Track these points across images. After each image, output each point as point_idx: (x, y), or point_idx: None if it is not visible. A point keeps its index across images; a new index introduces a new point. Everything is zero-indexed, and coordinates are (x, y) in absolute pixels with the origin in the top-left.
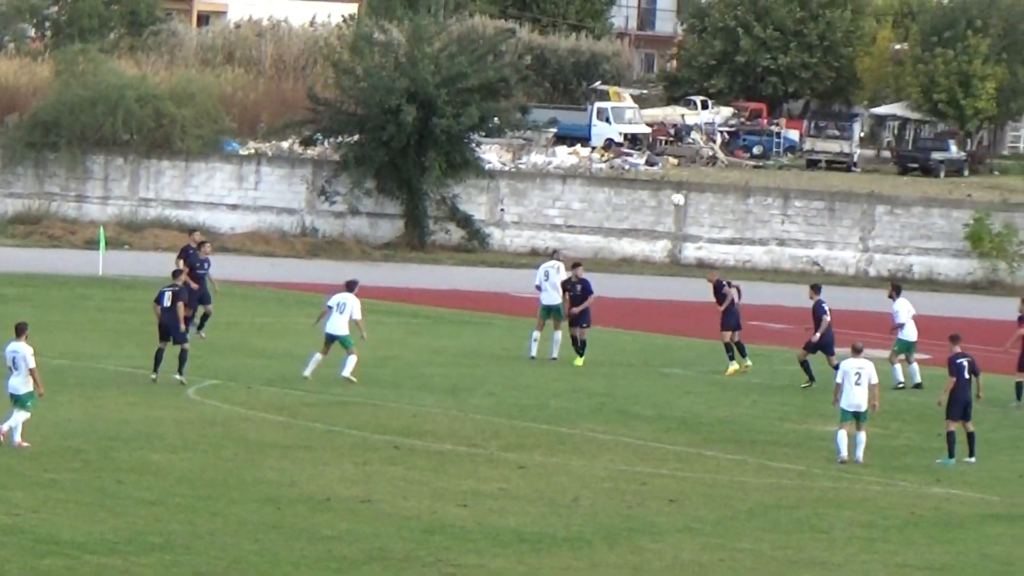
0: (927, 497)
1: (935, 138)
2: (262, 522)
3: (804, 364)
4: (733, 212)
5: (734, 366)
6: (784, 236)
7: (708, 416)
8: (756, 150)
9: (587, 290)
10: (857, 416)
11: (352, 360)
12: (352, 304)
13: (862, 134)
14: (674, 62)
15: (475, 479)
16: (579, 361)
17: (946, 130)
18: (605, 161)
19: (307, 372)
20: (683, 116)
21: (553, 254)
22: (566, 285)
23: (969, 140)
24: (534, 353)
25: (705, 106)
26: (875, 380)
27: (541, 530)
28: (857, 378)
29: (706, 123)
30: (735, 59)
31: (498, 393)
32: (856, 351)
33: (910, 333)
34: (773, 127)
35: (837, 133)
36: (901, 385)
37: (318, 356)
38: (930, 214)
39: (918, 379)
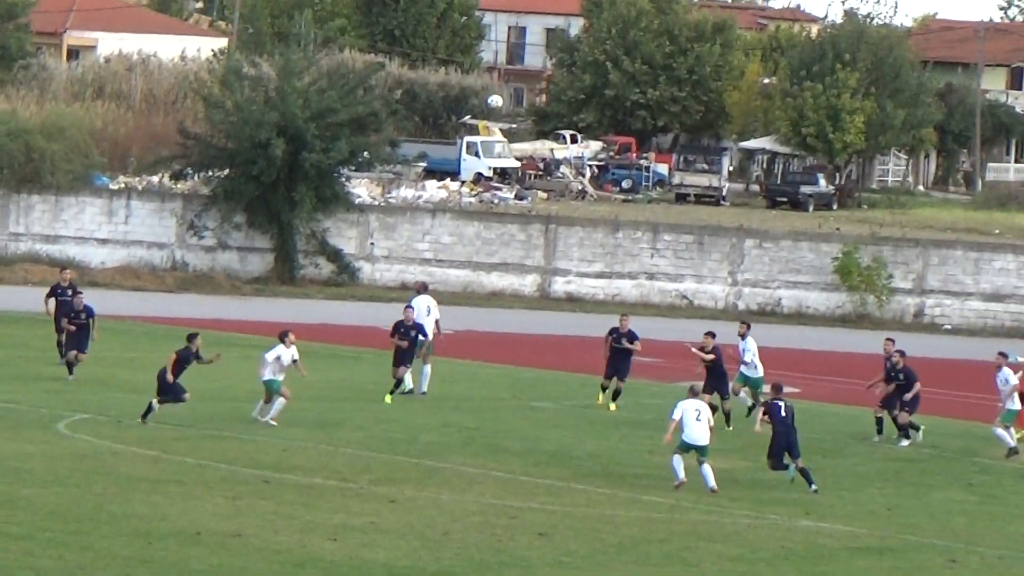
0: (797, 530)
1: (804, 172)
2: (132, 556)
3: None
4: (602, 246)
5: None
6: (653, 270)
7: (578, 450)
8: (625, 184)
9: (421, 332)
10: (699, 450)
11: (279, 403)
12: (280, 352)
13: (731, 168)
14: (543, 96)
15: (345, 513)
16: (389, 399)
17: (815, 164)
18: (474, 195)
19: (255, 413)
20: (552, 150)
21: (423, 289)
22: (398, 327)
23: (838, 174)
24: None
25: (574, 140)
26: (712, 422)
27: (412, 564)
28: (697, 415)
29: (575, 157)
30: (604, 93)
31: (368, 427)
32: (694, 392)
33: (757, 369)
34: (642, 161)
35: (706, 167)
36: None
37: (261, 403)
38: (799, 248)
39: (749, 402)
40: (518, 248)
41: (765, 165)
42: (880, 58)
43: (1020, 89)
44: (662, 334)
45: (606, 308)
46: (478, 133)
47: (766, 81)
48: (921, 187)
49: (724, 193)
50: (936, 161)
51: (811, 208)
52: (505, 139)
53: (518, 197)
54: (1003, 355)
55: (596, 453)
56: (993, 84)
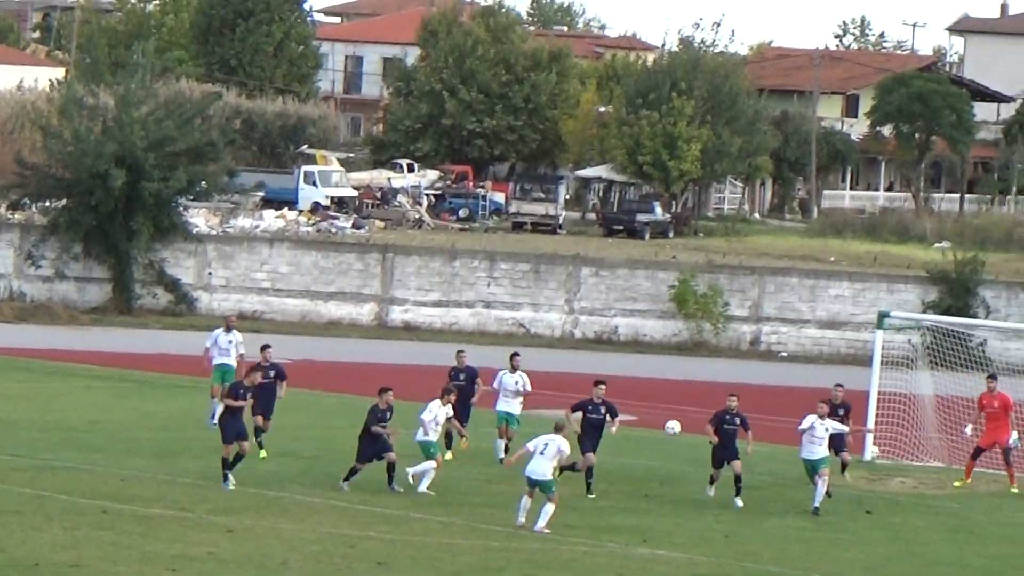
0: (633, 558)
1: (640, 200)
2: None
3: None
4: (440, 275)
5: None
6: (490, 298)
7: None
8: (462, 213)
9: (280, 375)
10: (540, 486)
11: (428, 466)
12: (437, 411)
13: (567, 196)
14: (380, 125)
15: (184, 543)
16: (264, 453)
17: (651, 192)
18: (312, 224)
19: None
20: (389, 179)
21: (229, 326)
22: (258, 367)
23: (674, 202)
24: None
25: (411, 169)
26: (566, 450)
27: None
28: (544, 448)
29: (412, 186)
30: (441, 122)
31: (206, 457)
32: (557, 429)
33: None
34: (479, 190)
35: (542, 195)
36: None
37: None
38: (635, 276)
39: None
40: (355, 277)
41: (601, 193)
42: (716, 86)
43: (855, 116)
44: (499, 363)
45: (443, 337)
46: (315, 162)
47: (602, 109)
48: (757, 214)
49: (560, 221)
50: (772, 188)
51: (647, 236)
52: (342, 168)
53: (355, 226)
54: (839, 386)
55: (434, 482)
56: (828, 111)
